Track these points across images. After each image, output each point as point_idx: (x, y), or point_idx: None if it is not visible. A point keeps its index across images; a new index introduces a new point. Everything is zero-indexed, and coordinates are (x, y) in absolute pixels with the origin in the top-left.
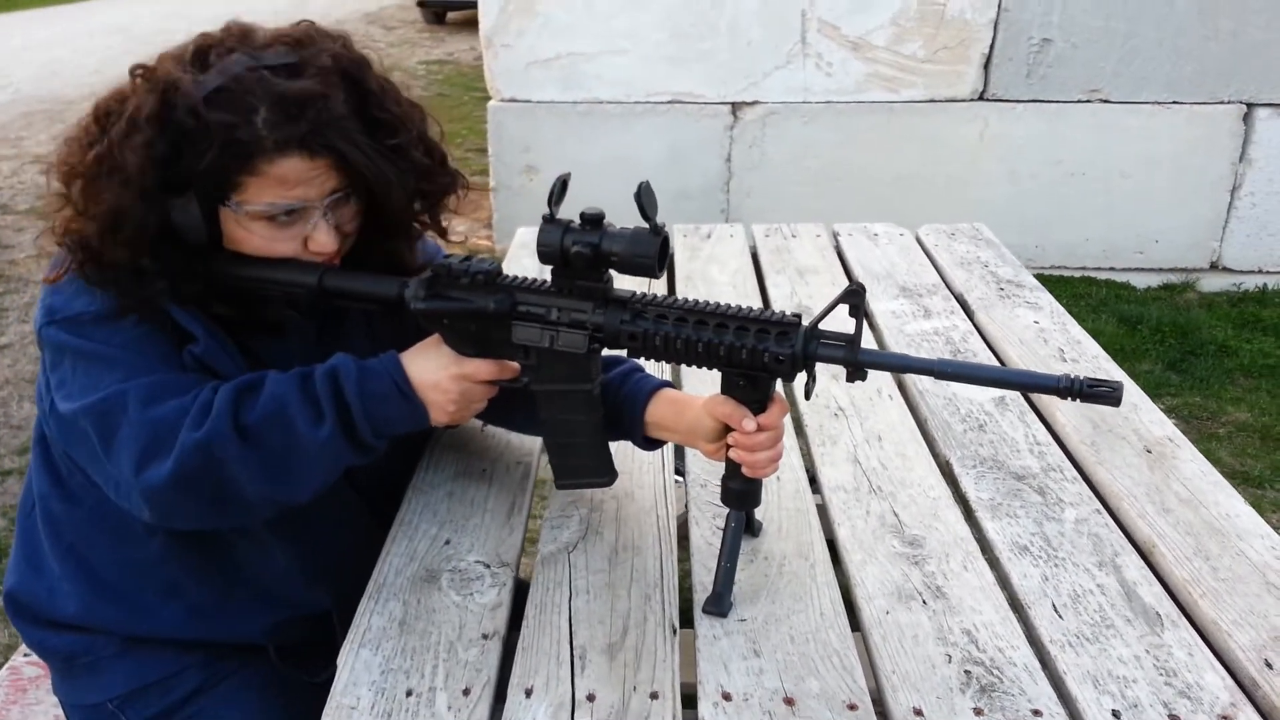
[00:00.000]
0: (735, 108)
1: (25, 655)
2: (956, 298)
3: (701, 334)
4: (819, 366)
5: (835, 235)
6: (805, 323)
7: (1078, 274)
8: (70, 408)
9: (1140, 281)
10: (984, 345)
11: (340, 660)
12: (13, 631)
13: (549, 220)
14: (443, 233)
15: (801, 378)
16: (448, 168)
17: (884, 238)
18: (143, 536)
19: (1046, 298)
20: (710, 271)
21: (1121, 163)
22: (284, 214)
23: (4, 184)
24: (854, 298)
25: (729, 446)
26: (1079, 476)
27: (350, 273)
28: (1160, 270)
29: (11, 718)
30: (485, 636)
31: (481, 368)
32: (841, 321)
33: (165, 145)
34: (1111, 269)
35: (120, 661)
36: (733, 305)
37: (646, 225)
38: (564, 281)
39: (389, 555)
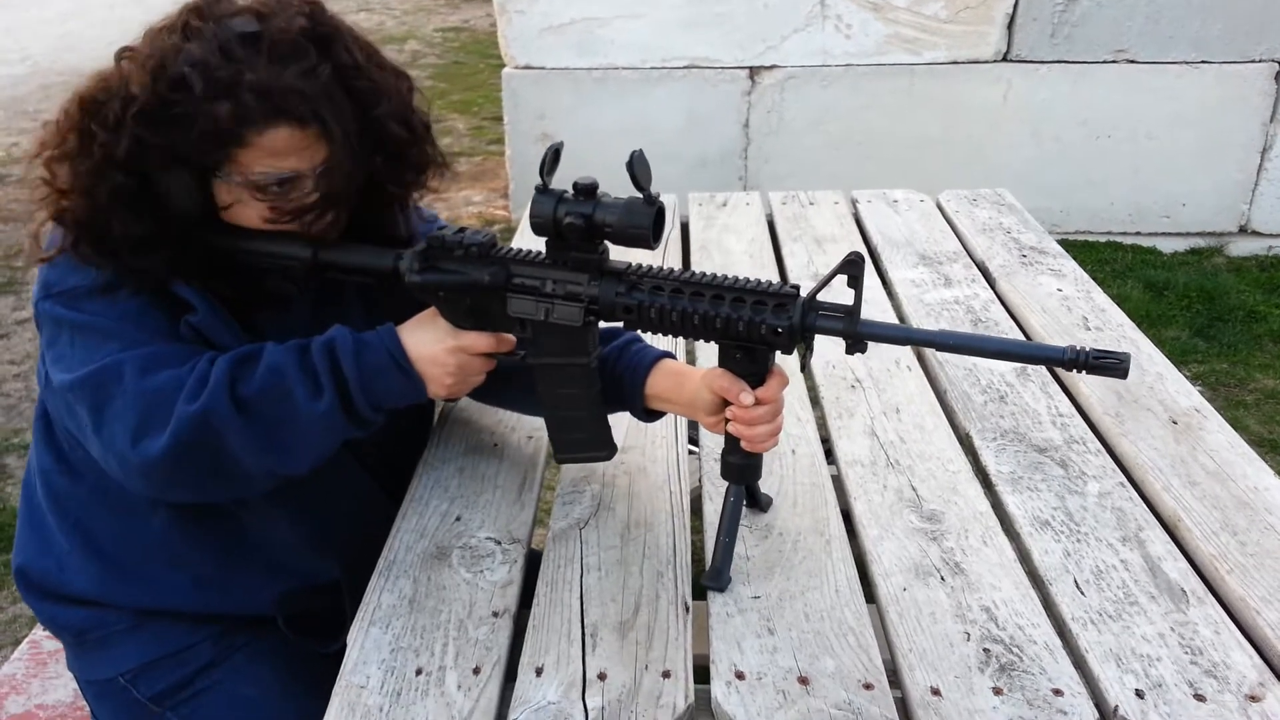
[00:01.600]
0: (753, 72)
1: (44, 630)
2: (978, 265)
3: (697, 305)
4: (825, 339)
5: (854, 202)
6: (804, 294)
7: (1103, 239)
8: (66, 379)
9: (1167, 246)
10: (1006, 314)
11: (350, 638)
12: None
13: (541, 190)
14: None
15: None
16: (429, 142)
17: (904, 204)
18: (145, 510)
19: (1070, 265)
20: (726, 241)
21: (1148, 124)
22: (275, 184)
23: (24, 156)
24: (852, 268)
25: (728, 420)
26: (1102, 449)
27: (346, 245)
28: (1188, 234)
29: (32, 690)
30: (496, 614)
31: (478, 340)
32: (846, 293)
33: (154, 122)
34: (1138, 234)
35: (131, 636)
36: (730, 276)
37: (640, 195)
38: (558, 253)
39: (399, 532)
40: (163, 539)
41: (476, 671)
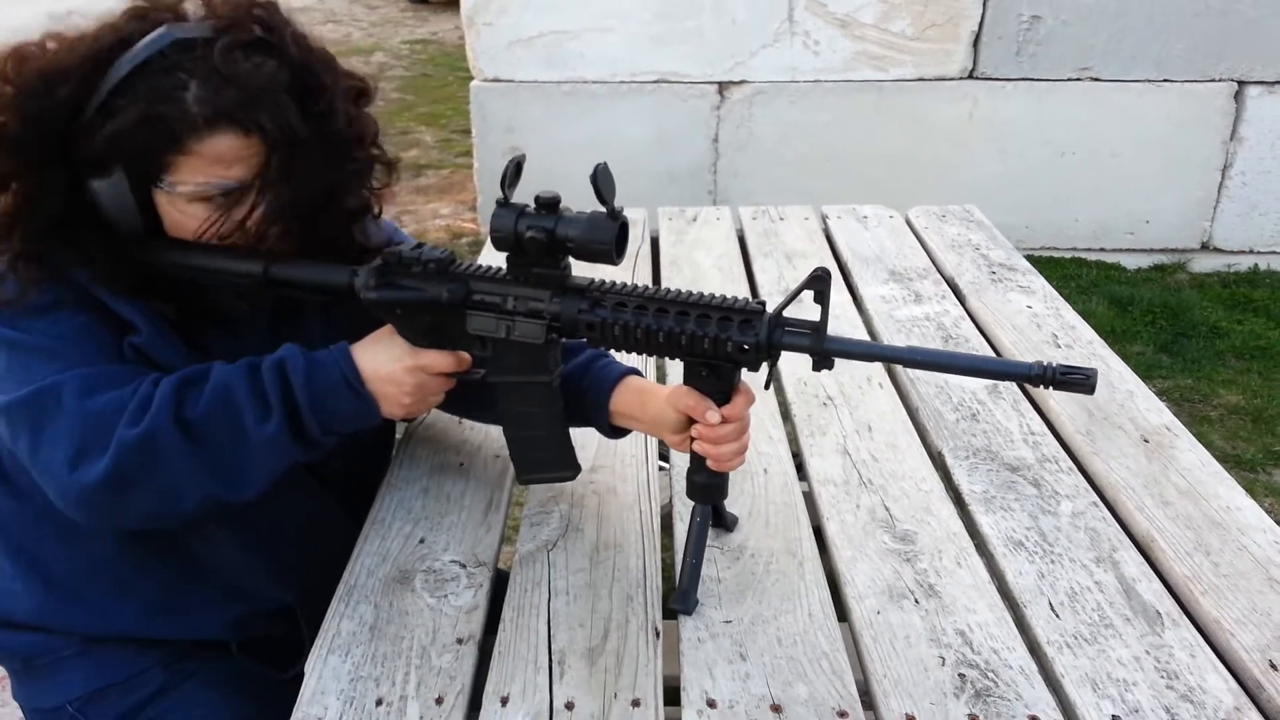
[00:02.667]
0: (722, 87)
1: None
2: (948, 281)
3: (662, 322)
4: (795, 355)
5: (824, 218)
6: (769, 310)
7: (1068, 255)
8: (3, 400)
9: (1131, 262)
10: (976, 331)
11: (308, 667)
12: None
13: (502, 204)
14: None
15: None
16: (380, 151)
17: (873, 220)
18: (92, 534)
19: (1039, 281)
20: (696, 256)
21: (1112, 142)
22: (220, 195)
23: None
24: (818, 283)
25: (693, 439)
26: (1075, 467)
27: (298, 261)
28: (1151, 251)
29: None
30: (460, 641)
31: (436, 359)
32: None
33: (89, 123)
34: (1102, 249)
35: (80, 662)
36: (694, 292)
37: (604, 210)
38: (520, 269)
39: (360, 556)
40: (110, 564)
41: (439, 701)
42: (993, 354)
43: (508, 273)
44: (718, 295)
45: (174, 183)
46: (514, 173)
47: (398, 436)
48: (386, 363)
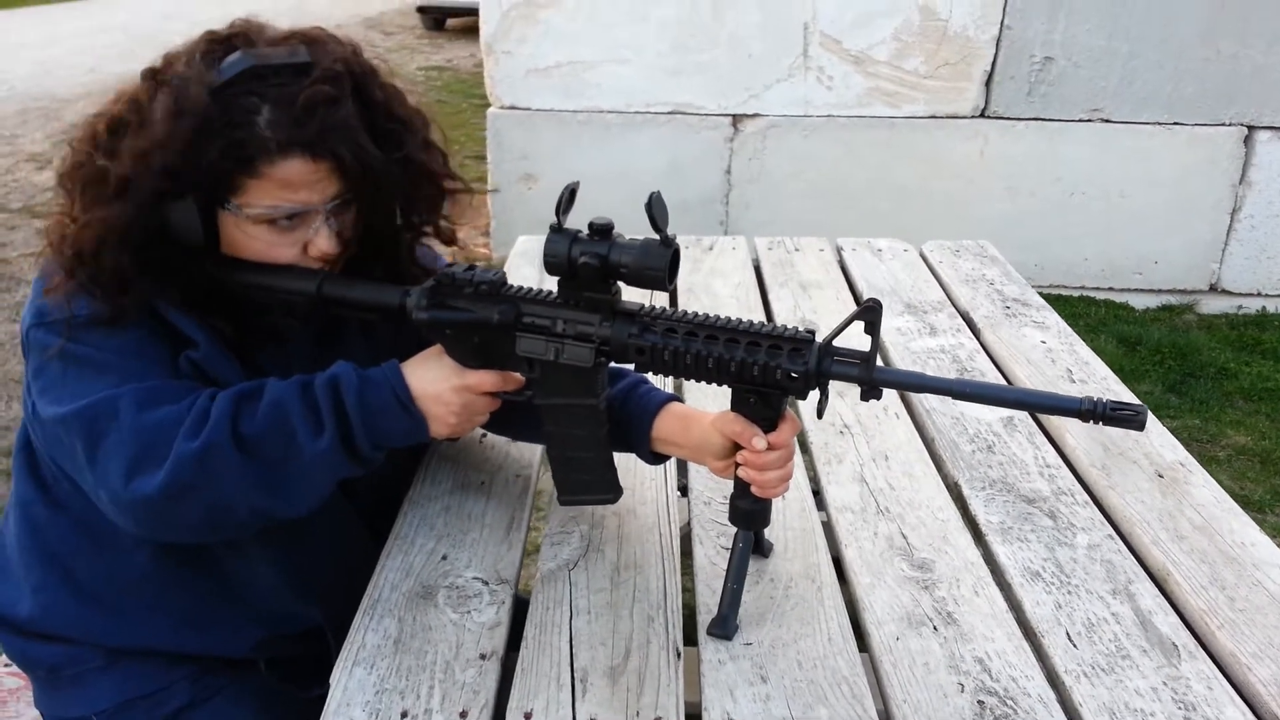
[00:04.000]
0: (736, 120)
1: (5, 666)
2: (962, 315)
3: (712, 349)
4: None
5: (839, 250)
6: (819, 339)
7: (1076, 293)
8: (57, 412)
9: (1139, 302)
10: (991, 364)
11: (333, 679)
12: None
13: (556, 230)
14: (448, 240)
15: (814, 396)
16: (452, 174)
17: (888, 253)
18: (129, 547)
19: (1053, 317)
20: (713, 284)
21: (1122, 183)
22: (285, 218)
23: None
24: (870, 314)
25: (738, 465)
26: (1090, 500)
27: (350, 280)
28: (1159, 291)
29: None
30: (483, 656)
31: (484, 379)
32: (854, 338)
33: (173, 151)
34: (1110, 289)
35: (106, 674)
36: (744, 320)
37: (657, 237)
38: (570, 293)
39: (384, 570)
40: (145, 577)
41: (464, 716)
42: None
43: (558, 296)
44: (766, 323)
45: (241, 205)
46: (568, 199)
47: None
48: (435, 381)
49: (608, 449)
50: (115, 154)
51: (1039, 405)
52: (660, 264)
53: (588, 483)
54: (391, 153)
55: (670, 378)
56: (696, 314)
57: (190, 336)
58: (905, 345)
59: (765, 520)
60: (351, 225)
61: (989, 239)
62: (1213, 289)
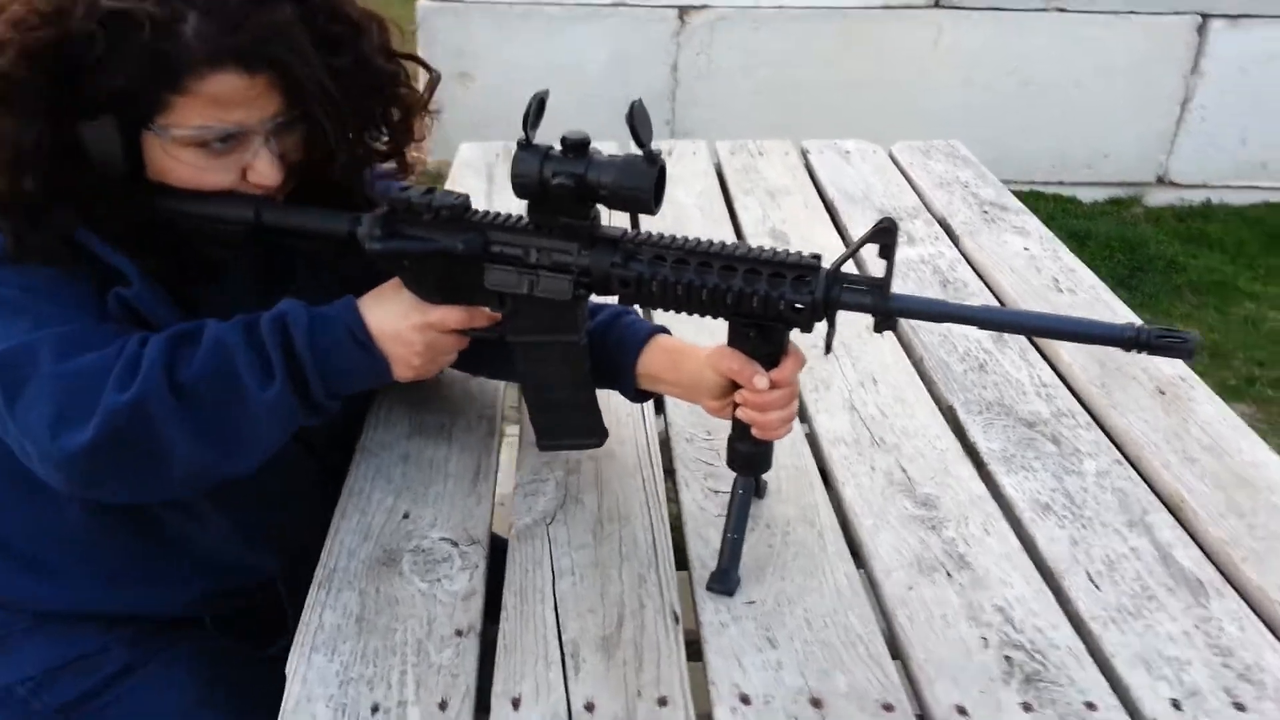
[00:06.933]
0: (682, 12)
1: None
2: (939, 221)
3: (706, 278)
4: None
5: (804, 153)
6: (825, 264)
7: (1026, 188)
8: None
9: (1087, 196)
10: (973, 274)
11: (289, 668)
12: None
13: (525, 146)
14: (404, 166)
15: (819, 328)
16: (410, 87)
17: (856, 155)
18: (59, 500)
19: (1033, 222)
20: (675, 193)
21: (1077, 74)
22: (219, 140)
23: None
24: (885, 235)
25: (735, 405)
26: (1092, 422)
27: (293, 207)
28: (1107, 185)
29: None
30: (459, 633)
31: (450, 316)
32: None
33: (68, 58)
34: (1060, 183)
35: (33, 638)
36: (740, 245)
37: (640, 152)
38: (544, 218)
39: (338, 534)
40: (76, 531)
41: (443, 706)
42: (994, 299)
43: (529, 222)
44: (766, 248)
45: (167, 125)
46: (537, 111)
47: None
48: (395, 319)
49: (590, 388)
50: (21, 59)
51: (1075, 334)
52: (646, 184)
53: (569, 426)
54: (339, 62)
55: (658, 310)
56: (686, 239)
57: (120, 270)
58: None
59: (767, 464)
60: (296, 148)
61: (943, 134)
62: (1160, 181)
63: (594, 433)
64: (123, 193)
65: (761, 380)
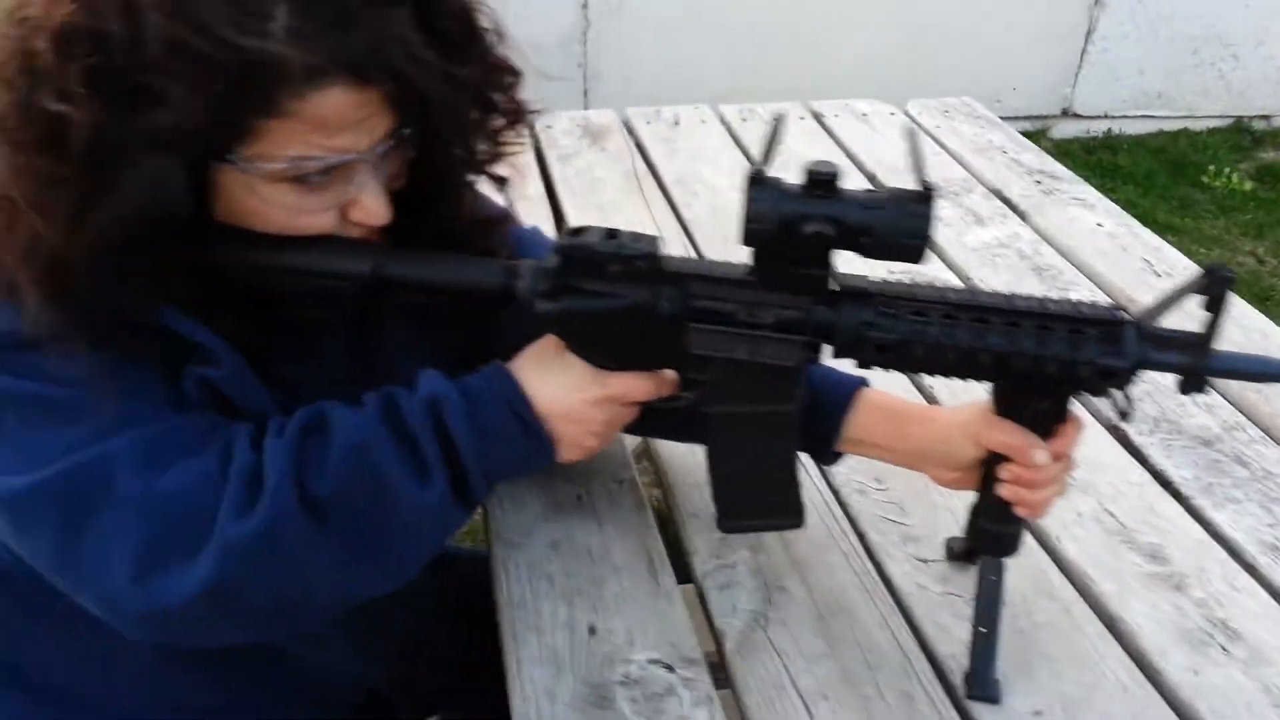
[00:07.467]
0: None
1: None
2: (997, 195)
3: (986, 339)
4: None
5: (817, 116)
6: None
7: None
8: (10, 485)
9: None
10: (1061, 259)
11: None
12: None
13: (759, 180)
14: (500, 184)
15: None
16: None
17: (874, 118)
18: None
19: (1092, 192)
20: (702, 172)
21: (986, 5)
22: (319, 173)
23: None
24: (1218, 286)
25: (989, 479)
26: (1266, 435)
27: (420, 254)
28: (1016, 119)
29: None
30: None
31: (636, 387)
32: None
33: (134, 88)
34: None
35: None
36: (1015, 295)
37: (915, 187)
38: (774, 267)
39: (521, 666)
40: (143, 668)
41: None
42: (1098, 291)
43: (753, 271)
44: (1051, 297)
45: (253, 157)
46: (775, 136)
47: None
48: (567, 393)
49: (793, 462)
50: (53, 89)
51: None
52: (923, 229)
53: (762, 505)
54: (464, 72)
55: (933, 377)
56: (947, 288)
57: (204, 347)
58: (958, 240)
59: (1017, 544)
60: (400, 175)
61: (859, 78)
62: (1065, 113)
63: (792, 512)
64: (192, 244)
65: (1041, 455)
